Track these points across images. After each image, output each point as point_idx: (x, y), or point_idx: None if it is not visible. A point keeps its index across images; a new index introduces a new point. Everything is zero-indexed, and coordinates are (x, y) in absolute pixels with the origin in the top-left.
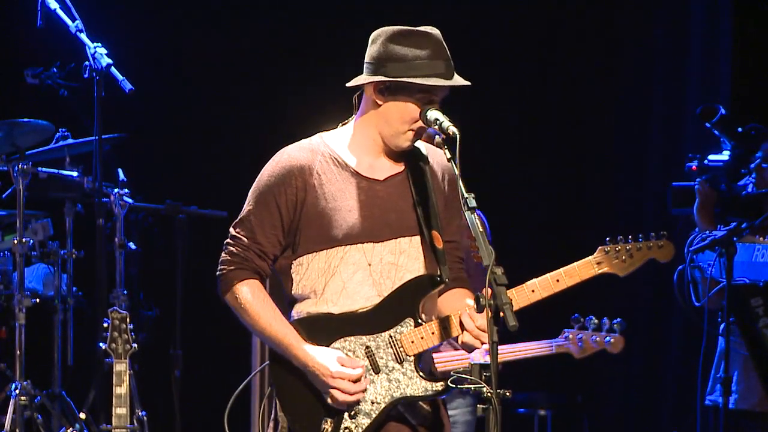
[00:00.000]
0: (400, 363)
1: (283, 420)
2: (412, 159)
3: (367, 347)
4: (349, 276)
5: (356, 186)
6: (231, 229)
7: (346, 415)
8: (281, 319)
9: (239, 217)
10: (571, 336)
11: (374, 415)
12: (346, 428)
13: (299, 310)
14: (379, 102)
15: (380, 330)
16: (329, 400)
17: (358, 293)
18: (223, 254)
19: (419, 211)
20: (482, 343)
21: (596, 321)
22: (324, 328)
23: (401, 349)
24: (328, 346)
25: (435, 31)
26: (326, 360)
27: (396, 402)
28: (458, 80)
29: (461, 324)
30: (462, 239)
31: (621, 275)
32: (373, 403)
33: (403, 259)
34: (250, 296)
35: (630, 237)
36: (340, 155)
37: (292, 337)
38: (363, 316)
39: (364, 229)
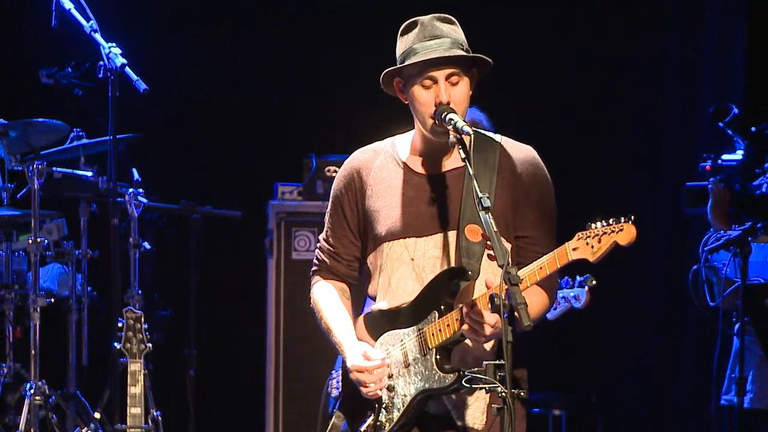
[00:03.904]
0: (424, 355)
1: (338, 416)
2: (475, 154)
3: (402, 341)
4: (393, 271)
5: (407, 182)
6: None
7: (382, 408)
8: (338, 317)
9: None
10: None
11: (402, 408)
12: (379, 422)
13: (369, 308)
14: (404, 100)
15: (413, 323)
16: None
17: (402, 288)
18: None
19: (467, 205)
20: (484, 337)
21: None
22: (376, 324)
23: (425, 341)
24: (376, 341)
25: (427, 17)
26: (350, 354)
27: (419, 394)
28: (442, 52)
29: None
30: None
31: (591, 260)
32: (403, 396)
33: (450, 253)
34: (317, 296)
35: (604, 222)
36: (400, 154)
37: (340, 334)
38: (403, 311)
39: (405, 224)
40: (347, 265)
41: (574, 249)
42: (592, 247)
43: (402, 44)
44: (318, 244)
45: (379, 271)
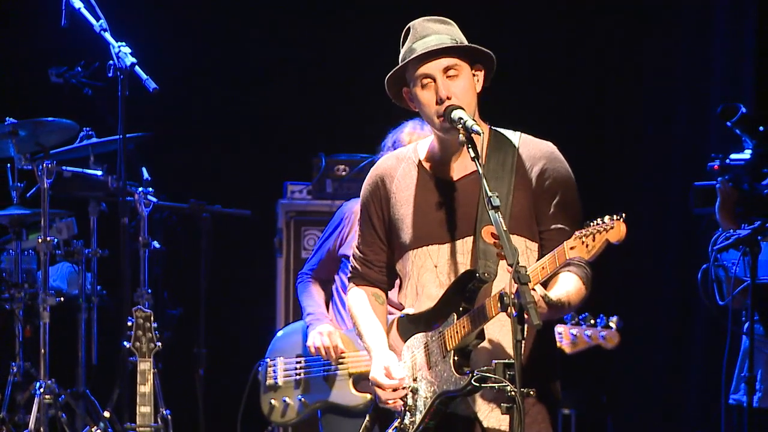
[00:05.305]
0: (443, 358)
1: (367, 419)
2: (493, 155)
3: (426, 344)
4: (418, 278)
5: (428, 188)
6: None
7: (407, 411)
8: (368, 323)
9: None
10: (563, 331)
11: (423, 411)
12: (404, 424)
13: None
14: (414, 109)
15: (435, 327)
16: None
17: (427, 295)
18: None
19: (484, 207)
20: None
21: (591, 318)
22: (404, 328)
23: (444, 344)
24: (404, 344)
25: (418, 20)
26: (374, 364)
27: (438, 397)
28: (426, 48)
29: None
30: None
31: (586, 258)
32: (424, 398)
33: (471, 257)
34: (351, 302)
35: (598, 220)
36: (423, 159)
37: (369, 340)
38: (427, 315)
39: (428, 232)
40: (379, 271)
41: (571, 248)
42: (587, 245)
43: (401, 52)
44: (351, 252)
45: (406, 279)
